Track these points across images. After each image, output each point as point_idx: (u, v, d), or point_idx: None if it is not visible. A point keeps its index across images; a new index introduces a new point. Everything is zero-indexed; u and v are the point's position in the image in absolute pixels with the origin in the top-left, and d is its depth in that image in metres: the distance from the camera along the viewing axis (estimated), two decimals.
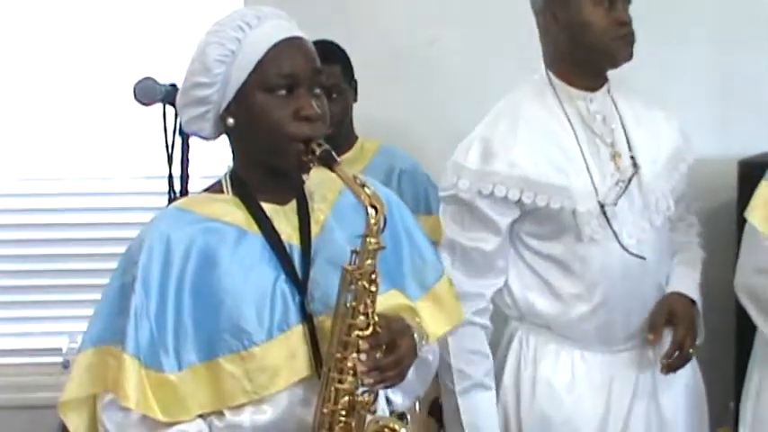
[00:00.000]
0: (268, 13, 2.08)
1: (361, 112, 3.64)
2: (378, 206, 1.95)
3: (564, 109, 2.84)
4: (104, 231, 4.16)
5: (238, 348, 1.98)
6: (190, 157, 2.70)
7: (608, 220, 2.78)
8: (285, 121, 2.00)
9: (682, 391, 2.97)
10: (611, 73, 2.89)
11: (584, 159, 2.81)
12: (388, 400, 2.19)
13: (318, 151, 1.98)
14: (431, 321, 2.18)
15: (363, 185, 1.96)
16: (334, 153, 1.98)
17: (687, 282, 2.92)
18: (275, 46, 2.03)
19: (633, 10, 2.85)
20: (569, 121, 2.83)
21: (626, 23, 2.76)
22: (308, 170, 2.05)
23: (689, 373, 2.97)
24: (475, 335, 2.88)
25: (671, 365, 2.84)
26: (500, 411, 2.94)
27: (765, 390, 2.88)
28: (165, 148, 2.68)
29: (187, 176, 2.72)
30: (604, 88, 2.89)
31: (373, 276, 1.96)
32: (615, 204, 2.80)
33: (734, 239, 3.14)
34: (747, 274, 2.84)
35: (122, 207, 4.16)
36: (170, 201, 2.65)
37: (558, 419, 2.87)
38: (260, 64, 2.02)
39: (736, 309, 3.20)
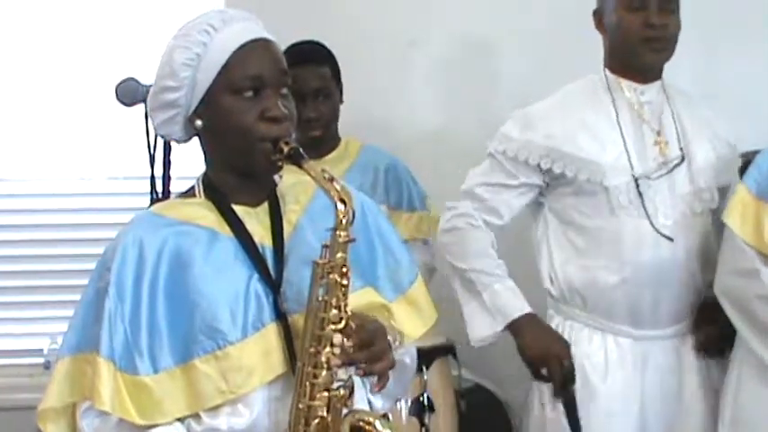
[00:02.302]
0: (234, 15, 2.09)
1: (346, 112, 3.65)
2: (346, 200, 1.96)
3: (612, 97, 3.00)
4: (86, 232, 4.16)
5: (213, 349, 1.98)
6: (172, 158, 2.70)
7: (641, 195, 2.90)
8: (252, 122, 2.01)
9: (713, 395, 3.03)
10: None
11: (623, 139, 2.94)
12: (370, 404, 2.18)
13: (286, 150, 1.99)
14: (407, 323, 2.20)
15: (332, 180, 1.97)
16: (302, 150, 1.99)
17: None
18: (241, 48, 2.03)
19: None
20: (614, 106, 2.99)
21: (653, 26, 2.89)
22: (277, 170, 2.06)
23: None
24: (468, 234, 3.05)
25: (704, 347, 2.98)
26: (536, 397, 3.07)
27: (744, 389, 2.90)
28: (147, 149, 2.69)
29: (169, 177, 2.72)
30: (657, 83, 3.02)
31: (344, 270, 1.97)
32: (650, 179, 2.91)
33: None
34: (726, 276, 2.87)
35: (104, 208, 4.16)
36: (152, 202, 2.66)
37: (592, 405, 2.96)
38: (226, 66, 2.03)
39: None
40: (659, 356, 2.98)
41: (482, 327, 2.97)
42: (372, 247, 2.18)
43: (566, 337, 3.01)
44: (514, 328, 2.94)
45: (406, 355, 2.23)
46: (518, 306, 2.95)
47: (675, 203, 2.93)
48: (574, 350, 2.94)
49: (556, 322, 3.08)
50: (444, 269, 3.13)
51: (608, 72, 3.04)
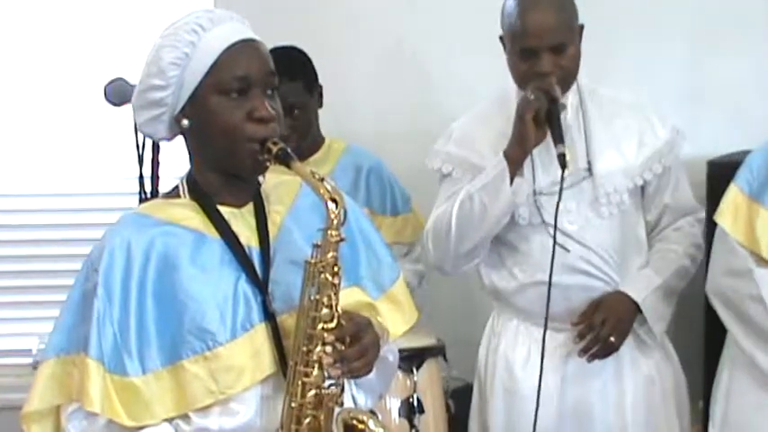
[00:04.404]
0: (222, 15, 2.09)
1: (329, 113, 3.64)
2: (337, 199, 1.96)
3: None
4: (74, 232, 4.16)
5: (202, 349, 1.99)
6: (160, 157, 2.69)
7: (538, 208, 2.97)
8: (239, 122, 2.01)
9: (642, 382, 3.06)
10: (590, 75, 3.07)
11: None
12: (354, 401, 2.19)
13: (275, 150, 1.99)
14: (389, 322, 2.21)
15: (322, 180, 1.97)
16: (290, 151, 2.00)
17: (637, 284, 3.02)
18: (229, 48, 2.03)
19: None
20: None
21: (542, 74, 2.89)
22: (264, 170, 2.06)
23: (658, 368, 3.08)
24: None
25: (591, 353, 2.97)
26: (475, 385, 3.24)
27: (735, 390, 2.90)
28: (135, 149, 2.68)
29: (158, 177, 2.71)
30: (569, 93, 3.01)
31: (336, 269, 1.98)
32: (552, 192, 2.92)
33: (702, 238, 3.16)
34: (717, 276, 2.87)
35: (93, 208, 4.15)
36: (141, 201, 2.65)
37: (514, 393, 3.08)
38: (214, 66, 2.03)
39: (705, 309, 3.23)
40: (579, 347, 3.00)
41: (502, 193, 2.92)
42: (355, 246, 2.19)
43: (497, 328, 3.16)
44: (507, 156, 2.91)
45: (388, 352, 2.23)
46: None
47: (582, 209, 2.98)
48: (501, 341, 3.11)
49: (492, 315, 3.22)
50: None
51: (516, 87, 3.03)
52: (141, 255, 2.02)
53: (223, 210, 2.09)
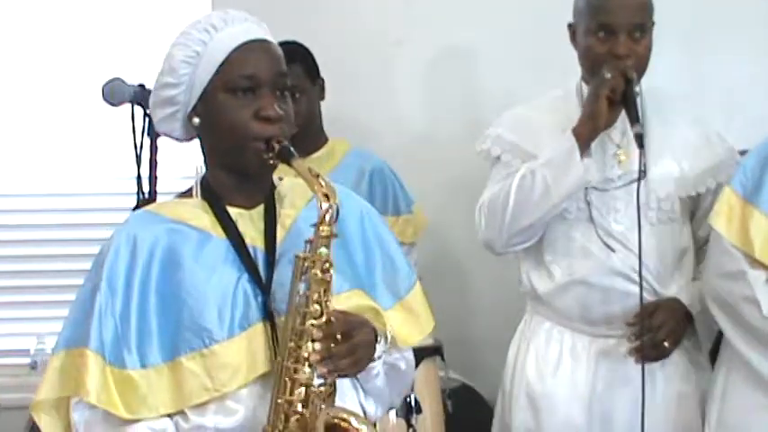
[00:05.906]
0: (236, 16, 2.11)
1: (329, 113, 3.65)
2: (330, 195, 1.97)
3: (581, 106, 2.98)
4: (72, 232, 4.16)
5: (199, 346, 2.00)
6: (158, 157, 2.70)
7: (588, 204, 2.95)
8: (246, 120, 2.03)
9: (675, 394, 3.03)
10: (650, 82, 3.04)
11: None
12: (364, 411, 2.19)
13: (277, 148, 2.01)
14: (403, 330, 2.21)
15: (317, 176, 1.99)
16: (292, 149, 2.01)
17: (692, 296, 2.99)
18: (239, 48, 2.06)
19: None
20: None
21: (620, 56, 2.88)
22: (270, 169, 2.08)
23: (693, 383, 3.04)
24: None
25: (643, 354, 2.91)
26: (500, 388, 3.21)
27: (730, 392, 2.89)
28: (133, 149, 2.68)
29: (155, 177, 2.71)
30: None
31: (327, 265, 1.99)
32: (604, 189, 2.94)
33: None
34: (712, 278, 2.86)
35: (91, 208, 4.15)
36: (138, 201, 2.65)
37: (541, 396, 3.06)
38: (223, 65, 2.06)
39: None
40: (613, 353, 2.99)
41: (572, 170, 2.89)
42: (371, 253, 2.20)
43: (530, 330, 3.13)
44: (576, 133, 2.89)
45: (400, 360, 2.24)
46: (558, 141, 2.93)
47: (628, 212, 2.94)
48: (531, 345, 3.09)
49: (526, 317, 3.18)
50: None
51: (582, 83, 3.04)
52: (146, 251, 2.05)
53: (232, 210, 2.11)
